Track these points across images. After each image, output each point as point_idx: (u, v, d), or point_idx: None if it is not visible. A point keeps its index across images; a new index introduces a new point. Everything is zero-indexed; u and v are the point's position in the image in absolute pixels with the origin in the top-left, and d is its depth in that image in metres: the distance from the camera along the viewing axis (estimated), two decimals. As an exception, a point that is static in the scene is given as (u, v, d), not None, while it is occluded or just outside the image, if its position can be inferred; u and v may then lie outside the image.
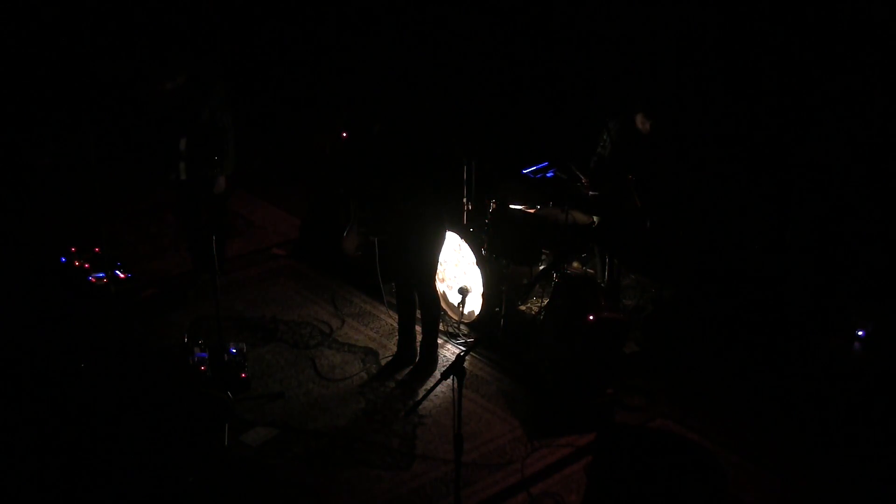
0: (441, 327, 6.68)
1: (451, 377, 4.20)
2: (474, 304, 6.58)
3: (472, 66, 8.20)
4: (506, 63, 8.11)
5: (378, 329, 6.66)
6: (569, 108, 7.69)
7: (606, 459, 4.33)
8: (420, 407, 5.63)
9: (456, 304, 6.71)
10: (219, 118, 6.63)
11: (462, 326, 6.68)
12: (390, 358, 6.24)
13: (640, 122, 6.63)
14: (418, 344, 6.23)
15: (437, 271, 6.82)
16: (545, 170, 6.95)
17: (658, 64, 7.18)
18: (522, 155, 7.20)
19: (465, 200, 7.02)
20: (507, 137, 7.67)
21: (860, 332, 6.05)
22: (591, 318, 5.56)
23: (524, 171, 7.03)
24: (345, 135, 7.23)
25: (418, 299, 6.12)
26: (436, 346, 6.22)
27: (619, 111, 6.72)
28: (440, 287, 6.87)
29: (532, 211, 6.72)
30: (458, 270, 6.71)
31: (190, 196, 6.83)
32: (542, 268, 6.58)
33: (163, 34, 8.54)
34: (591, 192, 6.53)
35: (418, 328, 6.24)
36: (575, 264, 6.87)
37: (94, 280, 6.83)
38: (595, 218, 6.60)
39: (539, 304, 6.77)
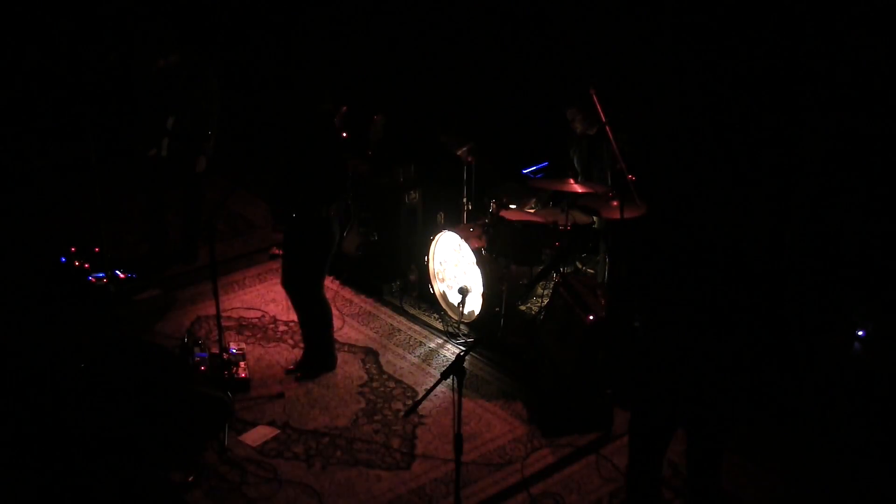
0: (441, 327, 6.70)
1: (451, 377, 4.20)
2: (474, 304, 6.58)
3: (472, 65, 8.20)
4: (506, 62, 8.11)
5: (378, 329, 6.66)
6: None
7: None
8: (420, 407, 5.63)
9: (456, 304, 6.71)
10: (206, 100, 6.93)
11: (462, 326, 6.68)
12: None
13: (572, 116, 6.54)
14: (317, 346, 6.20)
15: (433, 273, 6.84)
16: (545, 170, 6.95)
17: (651, 56, 7.15)
18: (522, 155, 7.20)
19: (464, 200, 7.04)
20: (507, 137, 7.67)
21: (860, 332, 6.04)
22: (590, 318, 5.56)
23: (524, 171, 7.03)
24: (345, 134, 7.23)
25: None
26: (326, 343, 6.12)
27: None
28: (440, 287, 6.88)
29: (532, 211, 6.72)
30: (458, 270, 6.71)
31: (163, 175, 7.13)
32: (541, 268, 6.58)
33: (159, 14, 8.56)
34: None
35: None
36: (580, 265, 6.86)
37: (94, 280, 6.82)
38: (595, 218, 6.60)
39: (539, 304, 6.77)
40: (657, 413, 4.35)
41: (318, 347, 6.14)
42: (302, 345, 6.38)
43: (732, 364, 4.15)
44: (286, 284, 6.07)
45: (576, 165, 6.64)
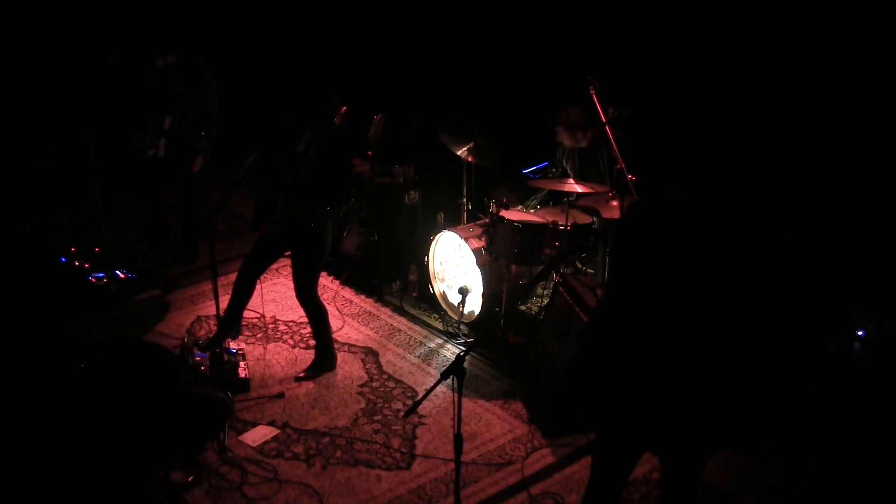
0: (441, 327, 6.70)
1: (451, 377, 4.20)
2: (474, 304, 6.58)
3: (472, 65, 8.20)
4: (506, 61, 8.10)
5: (378, 329, 6.66)
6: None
7: None
8: (420, 407, 5.61)
9: (456, 304, 6.71)
10: (205, 101, 6.95)
11: (462, 326, 6.68)
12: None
13: (560, 134, 6.54)
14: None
15: (433, 274, 6.85)
16: (545, 170, 6.95)
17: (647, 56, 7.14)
18: (522, 155, 7.19)
19: (464, 200, 7.03)
20: (507, 137, 7.66)
21: (860, 332, 6.03)
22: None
23: (524, 171, 7.03)
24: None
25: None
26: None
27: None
28: (440, 287, 6.87)
29: (532, 211, 6.71)
30: (458, 270, 6.71)
31: (160, 175, 7.16)
32: (541, 268, 6.57)
33: (159, 14, 8.56)
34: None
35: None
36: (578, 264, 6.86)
37: (94, 280, 6.83)
38: (594, 218, 6.59)
39: (539, 304, 6.77)
40: (636, 425, 3.98)
41: (317, 347, 6.15)
42: (301, 345, 6.39)
43: (731, 367, 4.11)
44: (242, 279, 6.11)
45: (569, 172, 6.64)
